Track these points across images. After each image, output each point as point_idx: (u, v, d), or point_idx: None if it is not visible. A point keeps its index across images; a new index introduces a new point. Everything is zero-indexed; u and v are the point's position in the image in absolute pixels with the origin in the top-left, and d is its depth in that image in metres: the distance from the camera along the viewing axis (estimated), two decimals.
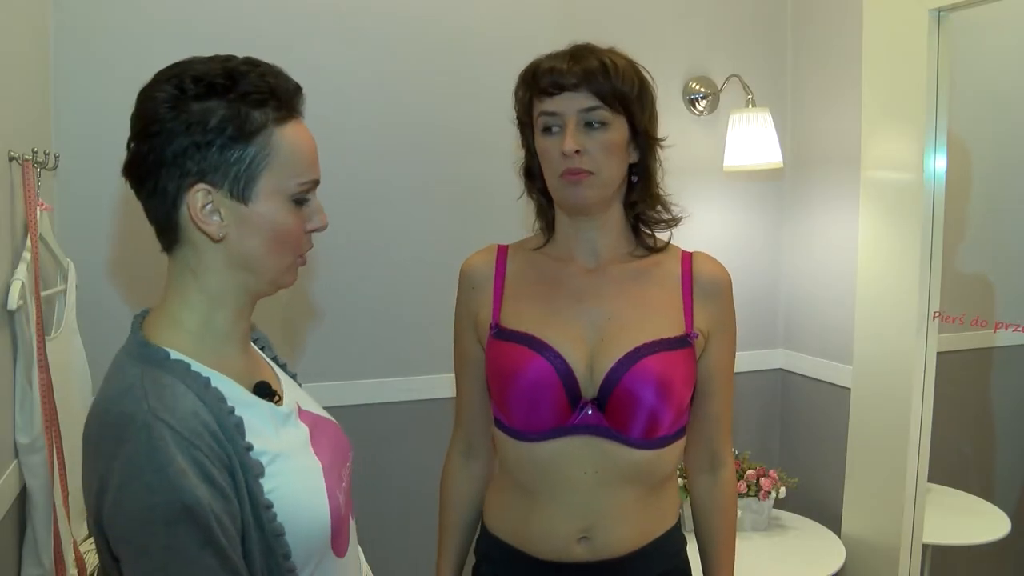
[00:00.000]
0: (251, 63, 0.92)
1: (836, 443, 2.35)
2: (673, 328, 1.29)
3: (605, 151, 1.24)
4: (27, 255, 1.47)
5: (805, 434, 2.53)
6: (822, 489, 2.43)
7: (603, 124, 1.24)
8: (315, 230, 0.99)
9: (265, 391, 0.98)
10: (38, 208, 1.49)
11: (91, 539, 1.68)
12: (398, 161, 2.16)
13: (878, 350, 2.18)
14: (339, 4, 2.08)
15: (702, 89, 2.42)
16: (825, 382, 2.43)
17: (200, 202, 0.90)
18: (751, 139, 2.28)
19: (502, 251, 1.39)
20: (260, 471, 0.90)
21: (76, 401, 1.68)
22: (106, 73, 1.86)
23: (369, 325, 2.16)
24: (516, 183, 1.41)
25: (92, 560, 1.62)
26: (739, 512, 2.20)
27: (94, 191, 1.88)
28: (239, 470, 0.87)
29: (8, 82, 1.50)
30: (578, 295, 1.31)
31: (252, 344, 1.06)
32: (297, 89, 0.96)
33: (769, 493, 2.27)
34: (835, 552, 2.20)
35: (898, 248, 2.11)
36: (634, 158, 1.29)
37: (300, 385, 1.15)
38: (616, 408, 1.24)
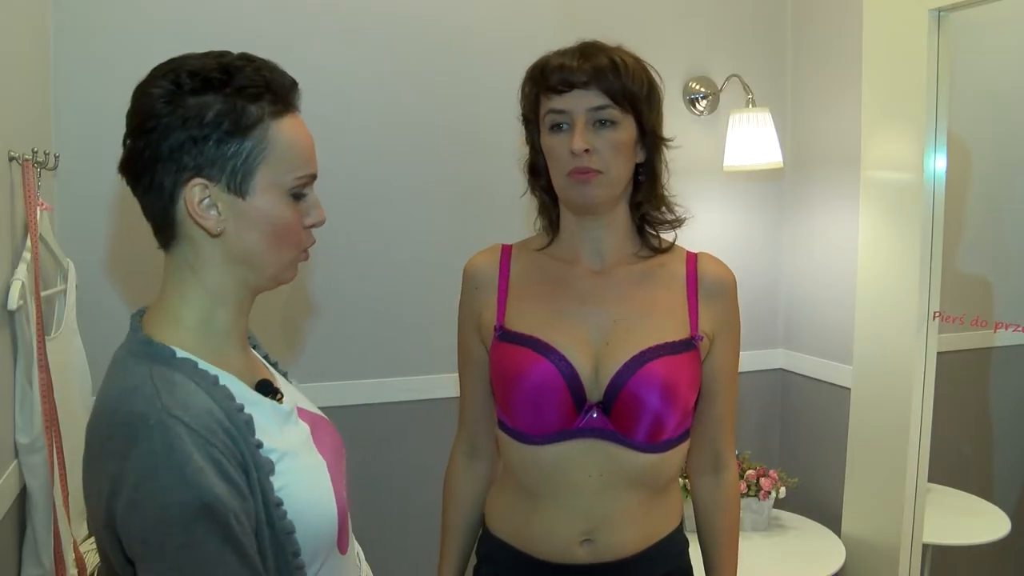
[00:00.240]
0: (246, 58, 0.92)
1: (836, 443, 2.35)
2: (678, 331, 1.28)
3: (614, 150, 1.23)
4: (27, 255, 1.47)
5: (805, 434, 2.53)
6: (822, 489, 2.43)
7: (612, 123, 1.23)
8: (313, 225, 0.98)
9: (267, 389, 0.98)
10: (38, 208, 1.49)
11: (91, 539, 1.68)
12: (398, 161, 2.16)
13: (878, 350, 2.18)
14: (339, 4, 2.08)
15: (702, 89, 2.42)
16: (825, 382, 2.43)
17: (197, 196, 0.89)
18: (751, 139, 2.28)
19: (506, 251, 1.38)
20: (271, 469, 0.90)
21: (76, 401, 1.68)
22: (106, 73, 1.86)
23: (369, 325, 2.16)
24: (516, 183, 1.41)
25: (92, 560, 1.62)
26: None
27: (94, 191, 1.88)
28: (252, 468, 0.87)
29: (8, 82, 1.50)
30: (583, 297, 1.30)
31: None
32: (293, 84, 0.95)
33: (769, 493, 2.27)
34: (835, 552, 2.20)
35: (898, 248, 2.11)
36: (640, 158, 1.29)
37: (292, 383, 1.14)
38: (621, 412, 1.24)
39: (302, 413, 1.04)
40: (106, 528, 0.84)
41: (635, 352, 1.24)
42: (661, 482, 1.30)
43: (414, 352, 2.20)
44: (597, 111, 1.22)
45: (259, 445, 0.89)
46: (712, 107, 2.43)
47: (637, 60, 1.27)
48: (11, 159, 1.45)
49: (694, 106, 2.42)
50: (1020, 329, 2.14)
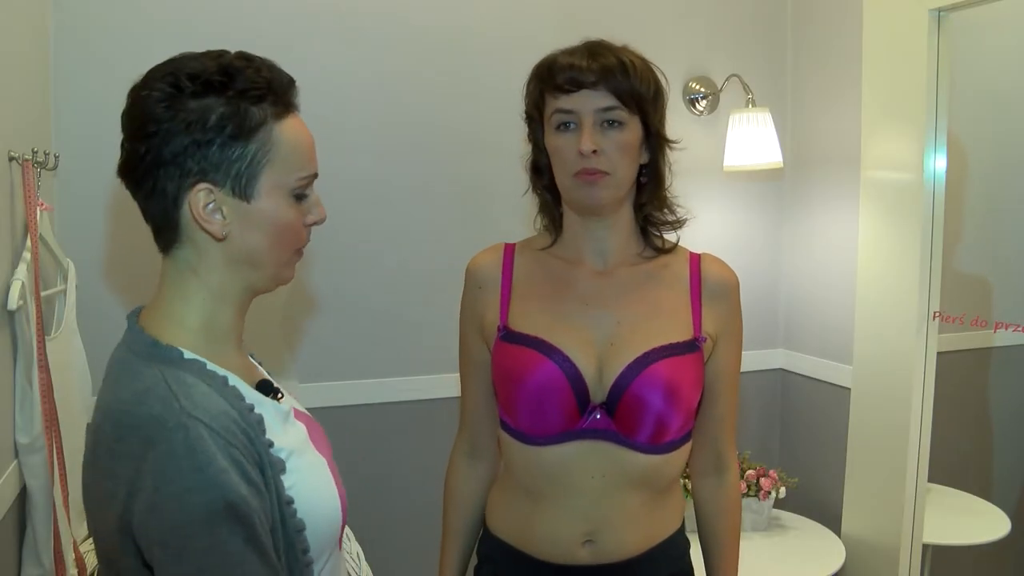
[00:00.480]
0: (245, 58, 0.92)
1: (836, 443, 2.35)
2: (682, 332, 1.28)
3: (621, 151, 1.23)
4: (27, 255, 1.47)
5: (805, 434, 2.53)
6: (822, 489, 2.43)
7: (620, 124, 1.22)
8: (315, 223, 0.98)
9: (268, 388, 0.99)
10: (38, 208, 1.49)
11: (91, 539, 1.68)
12: (398, 161, 2.16)
13: (878, 350, 2.18)
14: (339, 4, 2.08)
15: (702, 89, 2.42)
16: (825, 382, 2.43)
17: (202, 201, 0.89)
18: (751, 139, 2.28)
19: (509, 250, 1.37)
20: (282, 467, 0.90)
21: (76, 401, 1.68)
22: (106, 73, 1.86)
23: (369, 325, 2.16)
24: (517, 183, 1.41)
25: (92, 560, 1.62)
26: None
27: (94, 191, 1.88)
28: (267, 467, 0.88)
29: (8, 82, 1.50)
30: (587, 298, 1.30)
31: None
32: (291, 82, 0.95)
33: (769, 493, 2.27)
34: (835, 552, 2.20)
35: (898, 248, 2.11)
36: (644, 159, 1.29)
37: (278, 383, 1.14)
38: (625, 413, 1.23)
39: (296, 413, 1.04)
40: (120, 532, 0.83)
41: (639, 353, 1.24)
42: (664, 483, 1.30)
43: (414, 352, 2.20)
44: (605, 112, 1.22)
45: (270, 444, 0.90)
46: (712, 107, 2.43)
47: (644, 61, 1.26)
48: (11, 159, 1.45)
49: (694, 106, 2.42)
50: (1020, 329, 2.14)
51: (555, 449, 1.26)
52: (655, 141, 1.28)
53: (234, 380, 0.92)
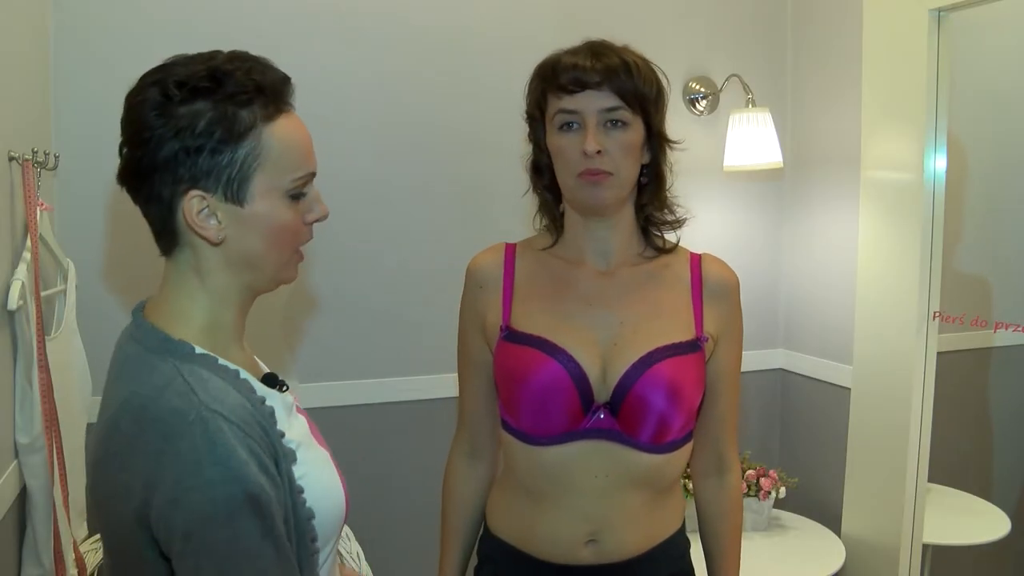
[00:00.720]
0: (235, 60, 0.91)
1: (836, 443, 2.35)
2: (684, 332, 1.28)
3: (624, 152, 1.23)
4: (27, 255, 1.47)
5: (805, 434, 2.53)
6: (822, 489, 2.43)
7: (623, 124, 1.22)
8: (317, 220, 0.98)
9: (274, 381, 1.00)
10: (38, 208, 1.49)
11: (91, 539, 1.68)
12: (398, 161, 2.16)
13: (878, 350, 2.18)
14: (339, 4, 2.08)
15: (702, 89, 2.42)
16: (825, 382, 2.43)
17: (196, 208, 0.89)
18: (751, 139, 2.28)
19: (510, 250, 1.37)
20: (294, 458, 0.92)
21: (76, 401, 1.68)
22: (106, 73, 1.86)
23: (369, 325, 2.16)
24: (516, 183, 1.41)
25: (92, 560, 1.62)
26: None
27: (94, 191, 1.88)
28: (281, 458, 0.89)
29: (8, 82, 1.50)
30: (590, 298, 1.30)
31: None
32: (285, 80, 0.94)
33: (769, 493, 2.27)
34: (835, 552, 2.20)
35: (898, 248, 2.11)
36: (646, 159, 1.29)
37: None
38: (628, 413, 1.24)
39: (296, 407, 1.06)
40: (138, 525, 0.84)
41: (642, 353, 1.24)
42: (665, 483, 1.30)
43: (414, 352, 2.20)
44: (609, 112, 1.22)
45: (282, 435, 0.91)
46: (712, 107, 2.43)
47: (646, 61, 1.26)
48: (11, 159, 1.45)
49: (694, 106, 2.42)
50: (1020, 329, 2.14)
51: (558, 449, 1.26)
52: (657, 141, 1.28)
53: (244, 374, 0.93)
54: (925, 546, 2.17)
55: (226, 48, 0.95)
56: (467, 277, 1.39)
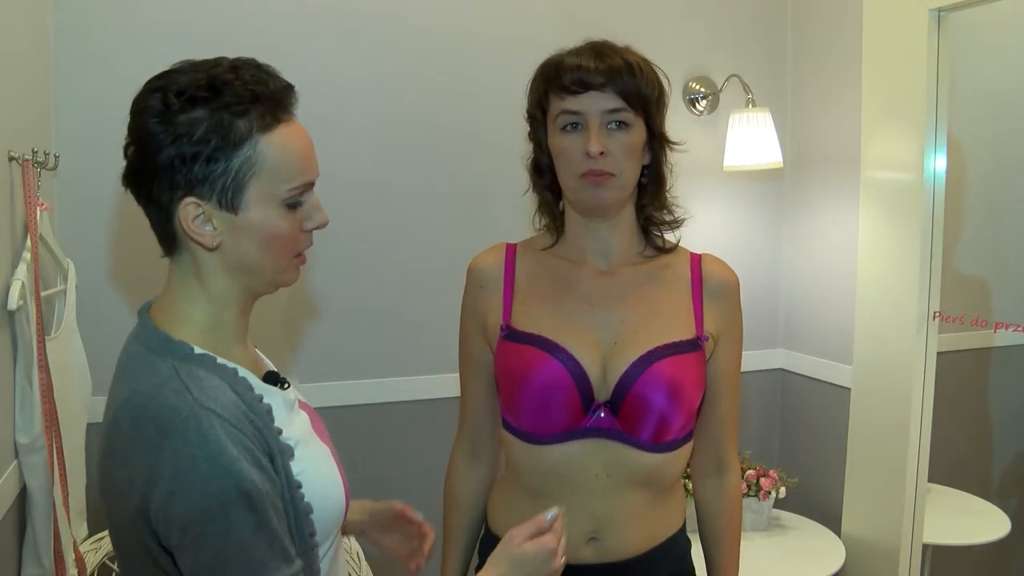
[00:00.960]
0: (237, 69, 0.92)
1: (836, 443, 2.35)
2: (684, 331, 1.29)
3: (626, 153, 1.23)
4: (27, 255, 1.47)
5: (805, 434, 2.53)
6: (822, 489, 2.44)
7: (626, 125, 1.23)
8: (315, 228, 0.99)
9: (275, 379, 1.02)
10: (38, 208, 1.49)
11: (91, 539, 1.68)
12: (398, 161, 2.16)
13: (878, 350, 2.18)
14: (339, 4, 2.08)
15: (702, 89, 2.42)
16: (825, 382, 2.43)
17: (191, 214, 0.91)
18: (751, 139, 2.28)
19: (511, 250, 1.38)
20: (291, 453, 0.94)
21: (76, 401, 1.68)
22: (106, 73, 1.86)
23: (369, 325, 2.16)
24: (517, 183, 1.41)
25: (92, 560, 1.62)
26: None
27: (94, 191, 1.88)
28: (276, 453, 0.92)
29: (8, 82, 1.50)
30: (590, 298, 1.30)
31: None
32: (286, 89, 0.95)
33: (769, 493, 2.27)
34: (835, 552, 2.20)
35: (898, 248, 2.11)
36: (647, 160, 1.29)
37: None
38: (628, 412, 1.24)
39: (300, 403, 1.08)
40: (139, 518, 0.87)
41: (643, 352, 1.25)
42: (666, 483, 1.30)
43: (414, 352, 2.20)
44: (612, 113, 1.22)
45: (279, 432, 0.94)
46: (712, 107, 2.43)
47: (648, 62, 1.27)
48: (11, 159, 1.45)
49: (694, 106, 2.42)
50: (1020, 329, 2.14)
51: (559, 448, 1.26)
52: (658, 142, 1.28)
53: (243, 372, 0.95)
54: (925, 546, 2.17)
55: (226, 49, 0.95)
56: (468, 277, 1.39)
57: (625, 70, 1.21)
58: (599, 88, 1.21)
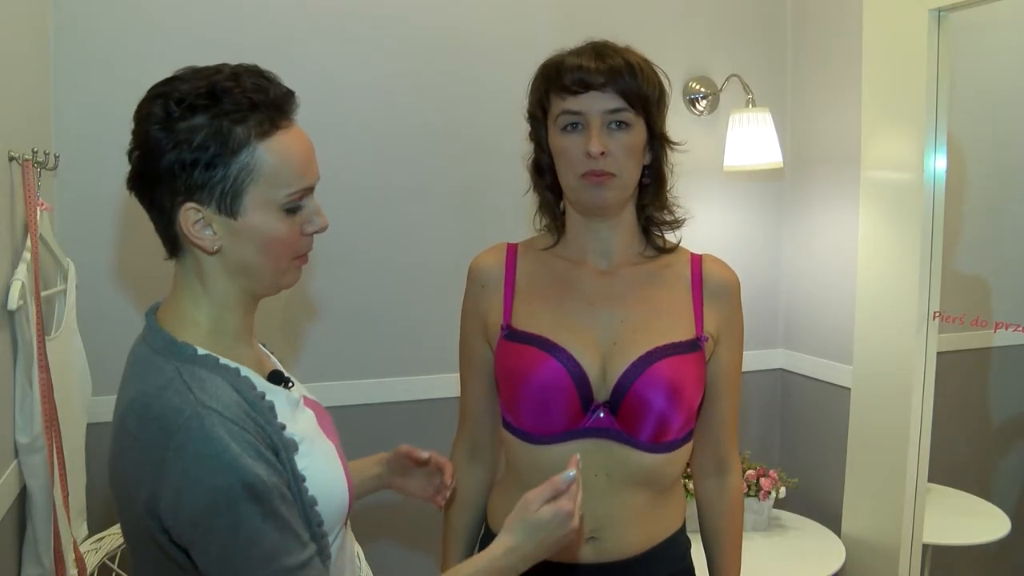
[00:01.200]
0: (237, 77, 0.94)
1: (836, 443, 2.35)
2: (684, 332, 1.29)
3: (627, 153, 1.23)
4: (27, 255, 1.47)
5: (805, 434, 2.53)
6: (822, 489, 2.44)
7: (627, 126, 1.23)
8: (315, 232, 1.01)
9: (279, 378, 1.05)
10: (38, 208, 1.49)
11: (91, 539, 1.68)
12: (398, 162, 2.16)
13: (878, 350, 2.18)
14: (339, 5, 2.08)
15: (702, 89, 2.42)
16: (825, 382, 2.43)
17: (191, 219, 0.94)
18: (751, 139, 2.28)
19: (511, 250, 1.38)
20: (295, 448, 0.97)
21: (76, 401, 1.68)
22: (106, 73, 1.86)
23: (369, 325, 2.16)
24: (517, 183, 1.41)
25: (92, 560, 1.62)
26: None
27: (94, 191, 1.88)
28: (281, 448, 0.95)
29: (8, 82, 1.50)
30: (591, 298, 1.30)
31: None
32: (287, 96, 0.97)
33: (769, 493, 2.27)
34: (835, 552, 2.20)
35: (898, 248, 2.11)
36: (648, 160, 1.29)
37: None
38: (628, 412, 1.24)
39: (305, 400, 1.10)
40: (149, 515, 0.90)
41: (642, 352, 1.25)
42: (666, 483, 1.30)
43: (414, 352, 2.20)
44: (613, 114, 1.22)
45: (283, 427, 0.96)
46: (712, 107, 2.43)
47: (648, 63, 1.27)
48: (11, 159, 1.45)
49: (694, 106, 2.42)
50: (1020, 329, 2.14)
51: (558, 448, 1.26)
52: (658, 142, 1.28)
53: (246, 371, 0.98)
54: (925, 546, 2.17)
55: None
56: (469, 277, 1.39)
57: (626, 70, 1.21)
58: (600, 88, 1.21)
